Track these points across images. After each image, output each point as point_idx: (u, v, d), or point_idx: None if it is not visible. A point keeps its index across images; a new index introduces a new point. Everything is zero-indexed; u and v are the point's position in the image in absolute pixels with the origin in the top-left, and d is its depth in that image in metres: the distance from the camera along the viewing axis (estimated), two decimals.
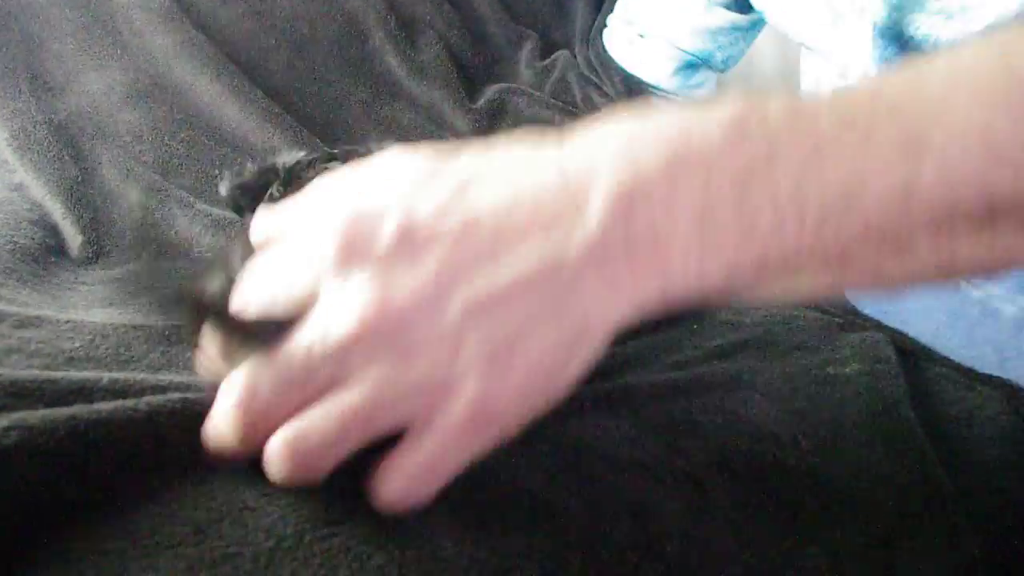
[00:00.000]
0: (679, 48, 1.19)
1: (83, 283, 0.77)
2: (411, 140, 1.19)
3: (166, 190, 0.99)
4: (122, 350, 0.57)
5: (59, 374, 0.48)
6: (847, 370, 0.68)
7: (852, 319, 0.85)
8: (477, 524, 0.43)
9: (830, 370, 0.68)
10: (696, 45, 1.18)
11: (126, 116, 1.09)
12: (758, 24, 1.19)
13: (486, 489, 0.45)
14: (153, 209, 0.95)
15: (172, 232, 0.95)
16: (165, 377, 0.52)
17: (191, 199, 0.97)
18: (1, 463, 0.37)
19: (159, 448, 0.43)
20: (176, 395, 0.46)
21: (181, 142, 1.07)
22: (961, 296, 0.87)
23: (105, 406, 0.43)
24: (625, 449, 0.51)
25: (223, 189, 0.71)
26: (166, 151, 1.05)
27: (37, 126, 1.05)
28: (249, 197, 0.65)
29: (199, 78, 1.17)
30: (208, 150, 1.07)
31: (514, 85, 1.28)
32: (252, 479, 0.44)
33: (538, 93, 1.27)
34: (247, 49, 1.24)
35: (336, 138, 1.19)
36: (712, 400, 0.60)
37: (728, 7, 1.16)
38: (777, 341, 0.74)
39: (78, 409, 0.42)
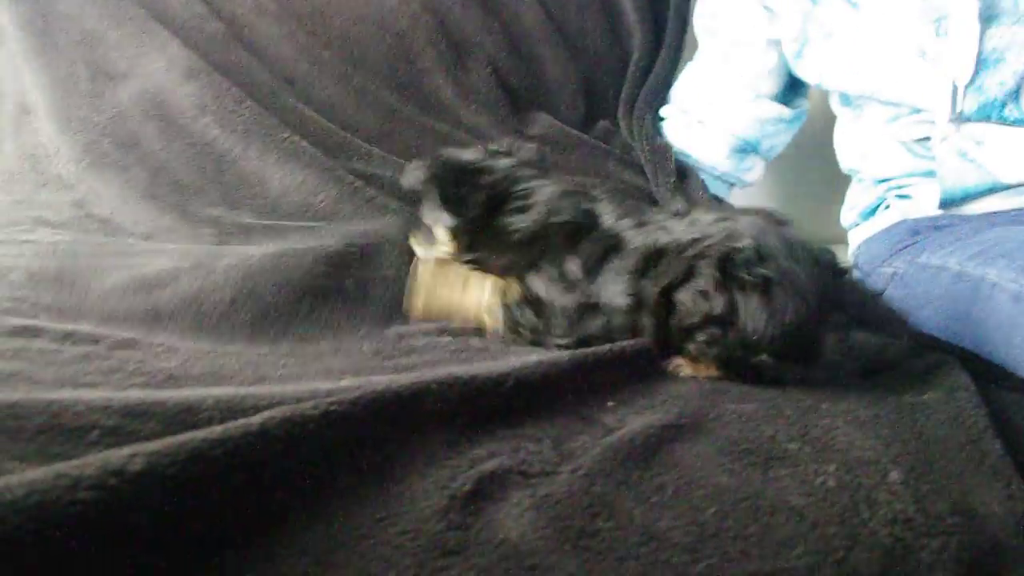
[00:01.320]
0: (733, 133, 1.25)
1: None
2: None
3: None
4: (216, 368, 0.58)
5: (165, 394, 0.49)
6: (926, 397, 0.67)
7: (917, 340, 0.85)
8: (591, 553, 0.43)
9: (908, 397, 0.68)
10: (748, 131, 1.26)
11: (187, 89, 1.12)
12: (800, 118, 1.28)
13: (599, 518, 0.45)
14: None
15: None
16: (263, 391, 0.53)
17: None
18: (131, 488, 0.38)
19: (276, 468, 0.44)
20: (286, 408, 0.47)
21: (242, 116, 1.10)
22: None
23: (218, 428, 0.43)
24: (722, 477, 0.51)
25: (409, 180, 0.86)
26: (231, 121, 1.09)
27: (103, 138, 1.07)
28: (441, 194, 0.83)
29: (254, 60, 1.20)
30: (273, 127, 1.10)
31: (559, 125, 1.29)
32: (366, 502, 0.45)
33: (585, 136, 1.28)
34: (298, 61, 1.25)
35: (387, 149, 1.20)
36: (797, 428, 0.59)
37: (774, 99, 1.25)
38: (849, 368, 0.73)
39: (195, 434, 0.42)
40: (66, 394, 0.46)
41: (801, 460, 0.55)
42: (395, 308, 0.86)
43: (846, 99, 1.18)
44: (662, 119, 1.32)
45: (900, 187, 1.12)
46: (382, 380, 0.53)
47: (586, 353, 0.66)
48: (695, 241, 0.73)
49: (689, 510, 0.47)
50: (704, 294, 0.70)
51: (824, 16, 1.08)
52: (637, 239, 0.77)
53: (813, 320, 0.69)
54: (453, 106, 1.29)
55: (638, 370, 0.69)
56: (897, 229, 1.08)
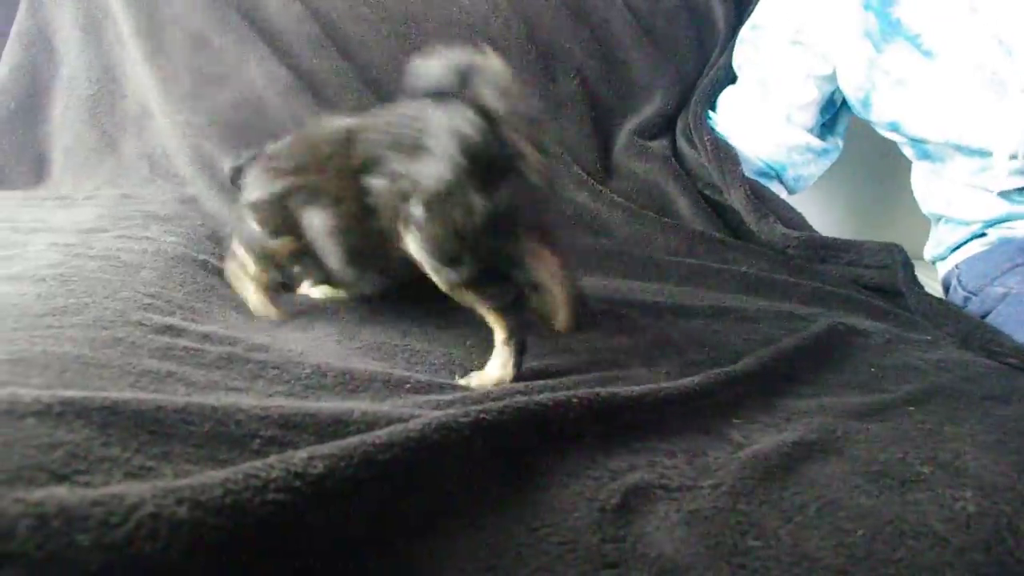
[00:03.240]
0: (758, 156, 1.24)
1: None
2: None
3: None
4: (346, 379, 0.59)
5: (314, 406, 0.50)
6: None
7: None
8: (746, 571, 0.43)
9: None
10: (773, 156, 1.25)
11: (280, 101, 1.15)
12: (830, 152, 1.27)
13: (748, 536, 0.45)
14: None
15: None
16: (404, 407, 0.54)
17: None
18: (313, 490, 0.39)
19: (433, 474, 0.45)
20: (439, 413, 0.48)
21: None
22: None
23: (382, 433, 0.44)
24: (861, 498, 0.51)
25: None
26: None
27: (205, 140, 1.11)
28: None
29: (345, 63, 1.22)
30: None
31: (643, 142, 1.29)
32: (516, 510, 0.45)
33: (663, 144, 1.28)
34: (390, 71, 1.26)
35: None
36: (925, 451, 0.59)
37: (809, 130, 1.23)
38: (965, 390, 0.72)
39: (363, 438, 0.43)
40: (226, 400, 0.48)
41: (936, 484, 0.54)
42: None
43: (923, 152, 1.15)
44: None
45: (998, 224, 1.10)
46: (521, 396, 0.54)
47: (711, 373, 0.66)
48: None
49: (835, 531, 0.47)
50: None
51: (891, 64, 1.07)
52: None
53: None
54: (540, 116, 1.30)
55: (756, 387, 0.68)
56: (1006, 248, 1.06)
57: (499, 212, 0.64)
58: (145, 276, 0.70)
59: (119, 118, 1.19)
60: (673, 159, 1.27)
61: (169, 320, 0.62)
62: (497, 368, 0.66)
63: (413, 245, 0.66)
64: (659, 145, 1.29)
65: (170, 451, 0.43)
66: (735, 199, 1.17)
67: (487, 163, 0.64)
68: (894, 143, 1.19)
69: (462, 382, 0.65)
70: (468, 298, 0.67)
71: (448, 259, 0.65)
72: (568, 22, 1.32)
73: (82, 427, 0.42)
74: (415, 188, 0.64)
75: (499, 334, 0.67)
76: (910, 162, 1.22)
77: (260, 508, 0.37)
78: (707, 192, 1.24)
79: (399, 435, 0.44)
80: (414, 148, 0.65)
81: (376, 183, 0.67)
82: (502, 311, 0.67)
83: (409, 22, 1.28)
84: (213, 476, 0.38)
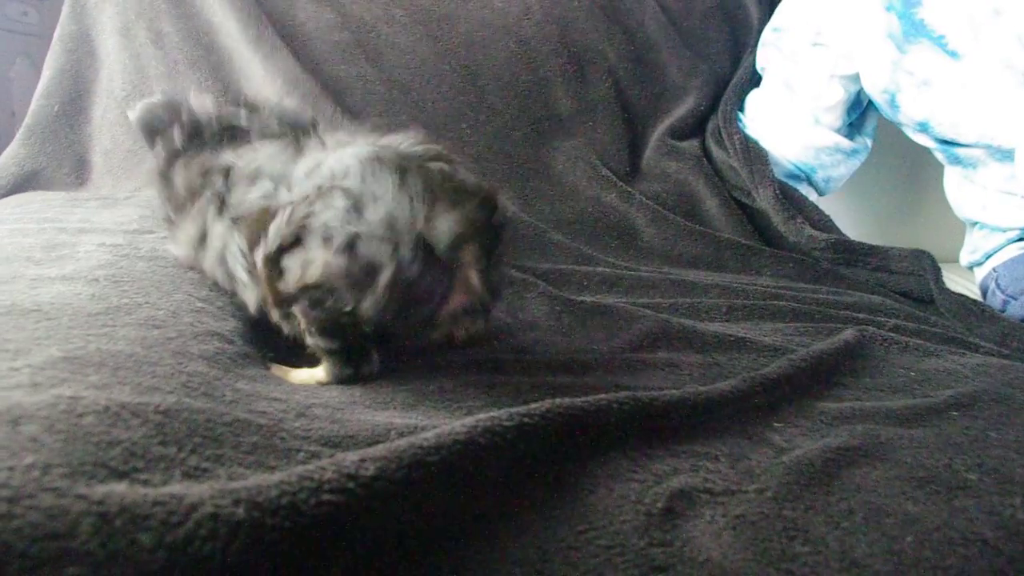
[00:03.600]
0: (787, 158, 1.24)
1: None
2: (566, 181, 1.22)
3: None
4: (372, 395, 0.60)
5: (352, 425, 0.51)
6: None
7: None
8: None
9: None
10: (801, 158, 1.24)
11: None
12: (860, 152, 1.26)
13: (796, 541, 0.45)
14: None
15: None
16: (439, 421, 0.55)
17: None
18: (365, 492, 0.40)
19: (480, 477, 0.46)
20: (483, 417, 0.49)
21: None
22: None
23: (430, 436, 0.45)
24: (907, 504, 0.50)
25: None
26: None
27: None
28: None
29: (372, 70, 1.23)
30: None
31: (674, 142, 1.29)
32: (562, 513, 0.46)
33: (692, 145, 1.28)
34: (421, 75, 1.27)
35: (496, 171, 1.21)
36: (971, 457, 0.58)
37: (836, 130, 1.23)
38: (1007, 395, 0.71)
39: (411, 440, 0.44)
40: (269, 420, 0.49)
41: (984, 491, 0.53)
42: None
43: (954, 157, 1.14)
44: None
45: None
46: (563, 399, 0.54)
47: (746, 376, 0.66)
48: (305, 198, 0.62)
49: (883, 538, 0.47)
50: (307, 261, 0.60)
51: (915, 65, 1.06)
52: (247, 209, 0.66)
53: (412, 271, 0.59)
54: (570, 120, 1.30)
55: (793, 391, 0.68)
56: None
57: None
58: (194, 277, 0.71)
59: None
60: (704, 159, 1.27)
61: (218, 326, 0.63)
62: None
63: None
64: (690, 145, 1.29)
65: (223, 455, 0.44)
66: (763, 199, 1.16)
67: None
68: (924, 149, 1.18)
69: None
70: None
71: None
72: (602, 24, 1.32)
73: (139, 426, 0.43)
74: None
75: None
76: (940, 167, 1.21)
77: (315, 509, 0.38)
78: (735, 195, 1.23)
79: (446, 438, 0.45)
80: None
81: None
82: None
83: (442, 23, 1.29)
84: (268, 478, 0.39)
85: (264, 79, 1.18)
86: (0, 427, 0.40)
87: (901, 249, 1.14)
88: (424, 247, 0.59)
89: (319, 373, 0.66)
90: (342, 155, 0.64)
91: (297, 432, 0.49)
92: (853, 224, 1.36)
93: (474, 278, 0.62)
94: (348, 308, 0.59)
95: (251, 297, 0.66)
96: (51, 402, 0.43)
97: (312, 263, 0.59)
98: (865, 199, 1.54)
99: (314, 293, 0.60)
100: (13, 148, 1.19)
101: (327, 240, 0.59)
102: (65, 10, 1.27)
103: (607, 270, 1.04)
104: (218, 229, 0.67)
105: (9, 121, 1.45)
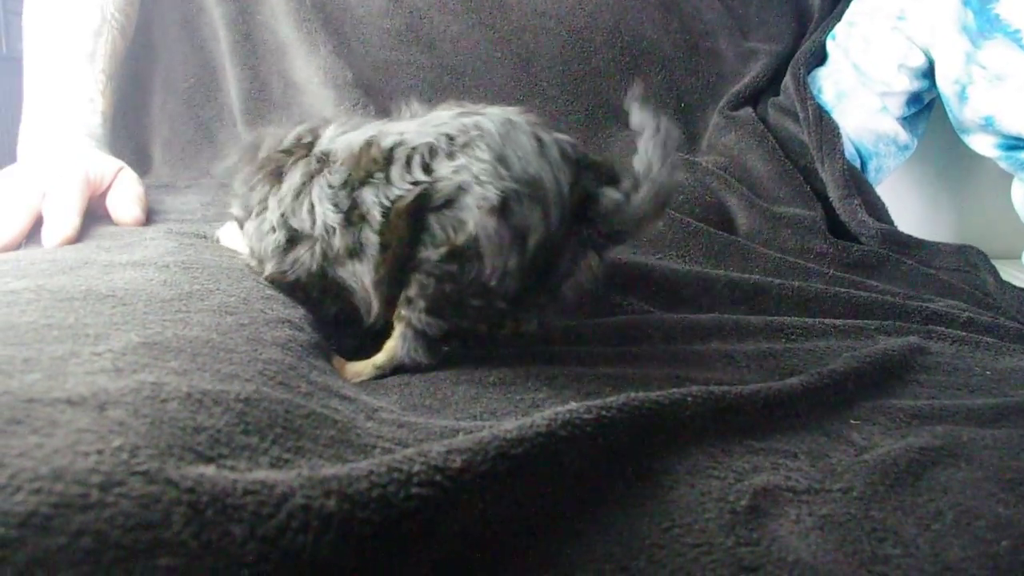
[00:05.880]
0: (848, 136, 1.21)
1: None
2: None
3: None
4: (430, 395, 0.60)
5: (422, 425, 0.50)
6: None
7: None
8: None
9: None
10: (861, 139, 1.22)
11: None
12: (908, 150, 1.25)
13: (886, 543, 0.44)
14: None
15: None
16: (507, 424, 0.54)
17: None
18: (453, 485, 0.39)
19: (560, 470, 0.45)
20: (562, 410, 0.48)
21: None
22: None
23: (511, 428, 0.44)
24: (998, 508, 0.49)
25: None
26: None
27: None
28: None
29: (425, 58, 1.21)
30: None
31: (730, 112, 1.26)
32: (643, 510, 0.45)
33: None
34: (474, 62, 1.26)
35: None
36: (1005, 473, 0.55)
37: (899, 120, 1.21)
38: None
39: (493, 432, 0.43)
40: (338, 416, 0.48)
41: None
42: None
43: (1020, 163, 1.11)
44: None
45: None
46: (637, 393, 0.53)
47: (814, 372, 0.64)
48: (436, 145, 0.58)
49: (976, 541, 0.45)
50: (459, 221, 0.56)
51: (989, 59, 1.04)
52: (344, 146, 0.62)
53: (556, 239, 0.57)
54: (623, 110, 1.28)
55: (866, 388, 0.66)
56: None
57: None
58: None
59: (215, 110, 1.21)
60: (761, 124, 1.23)
61: (288, 313, 0.63)
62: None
63: None
64: (745, 113, 1.26)
65: (303, 447, 0.43)
66: (828, 172, 1.14)
67: None
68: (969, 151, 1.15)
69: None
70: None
71: None
72: (657, 12, 1.30)
73: (221, 414, 0.43)
74: None
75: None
76: (984, 165, 1.18)
77: (404, 502, 0.37)
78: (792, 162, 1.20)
79: (528, 430, 0.44)
80: None
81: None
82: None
83: (494, 11, 1.28)
84: (358, 468, 0.38)
85: (316, 68, 1.17)
86: (87, 411, 0.39)
87: (949, 244, 1.12)
88: (564, 217, 0.56)
89: (378, 357, 0.64)
90: (452, 114, 0.60)
91: (371, 431, 0.48)
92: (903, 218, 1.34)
93: (594, 258, 0.61)
94: (493, 283, 0.56)
95: (339, 243, 0.60)
96: (135, 387, 0.42)
97: (464, 224, 0.55)
98: (916, 196, 1.51)
99: (455, 262, 0.56)
100: None
101: (482, 199, 0.55)
102: None
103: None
104: (297, 173, 0.63)
105: None
